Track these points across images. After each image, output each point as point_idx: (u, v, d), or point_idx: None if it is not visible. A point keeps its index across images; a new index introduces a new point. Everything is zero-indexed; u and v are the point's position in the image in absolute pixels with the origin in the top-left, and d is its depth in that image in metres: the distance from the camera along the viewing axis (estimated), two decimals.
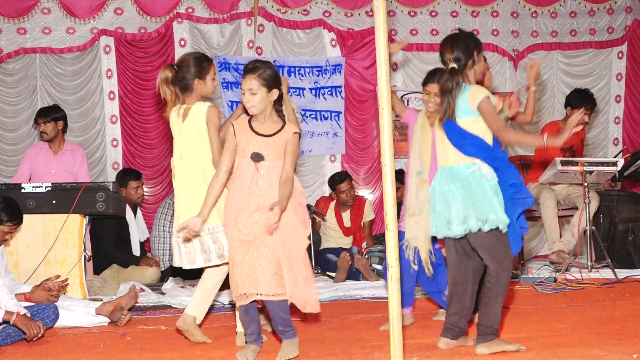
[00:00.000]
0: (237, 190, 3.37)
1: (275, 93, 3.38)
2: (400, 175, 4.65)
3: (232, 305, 4.74)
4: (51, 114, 5.85)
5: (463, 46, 3.36)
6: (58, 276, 4.46)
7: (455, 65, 3.35)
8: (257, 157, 3.34)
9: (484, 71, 3.61)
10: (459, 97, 3.33)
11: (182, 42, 7.45)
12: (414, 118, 4.15)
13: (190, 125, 3.66)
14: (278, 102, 3.46)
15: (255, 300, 3.36)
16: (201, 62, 3.72)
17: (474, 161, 3.32)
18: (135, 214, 6.15)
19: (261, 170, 3.33)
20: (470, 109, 3.31)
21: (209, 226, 3.59)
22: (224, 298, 4.85)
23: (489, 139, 3.36)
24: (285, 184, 3.32)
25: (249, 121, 3.42)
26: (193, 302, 3.77)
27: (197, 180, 3.63)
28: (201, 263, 3.67)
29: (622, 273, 5.56)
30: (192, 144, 3.67)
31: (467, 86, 3.36)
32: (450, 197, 3.34)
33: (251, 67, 3.37)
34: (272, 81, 3.36)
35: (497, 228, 3.28)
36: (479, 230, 3.28)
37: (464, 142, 3.33)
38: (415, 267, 3.95)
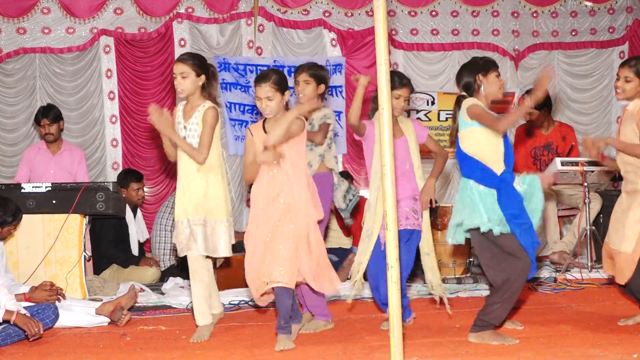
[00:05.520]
0: (260, 185, 3.65)
1: (287, 95, 3.62)
2: None
3: (233, 305, 4.74)
4: (54, 115, 5.84)
5: (466, 73, 3.63)
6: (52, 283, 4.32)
7: (464, 93, 3.65)
8: None
9: (498, 88, 3.62)
10: (460, 113, 3.64)
11: (182, 42, 7.44)
12: (373, 134, 3.96)
13: (192, 123, 3.88)
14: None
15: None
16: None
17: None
18: (135, 214, 6.14)
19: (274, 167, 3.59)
20: (465, 120, 3.57)
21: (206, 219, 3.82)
22: (224, 298, 4.84)
23: (487, 156, 3.54)
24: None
25: (263, 124, 3.68)
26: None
27: (195, 175, 3.82)
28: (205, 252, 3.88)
29: None
30: (192, 141, 3.86)
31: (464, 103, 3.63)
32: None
33: (262, 76, 3.63)
34: (284, 85, 3.63)
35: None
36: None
37: (462, 164, 3.64)
38: None
